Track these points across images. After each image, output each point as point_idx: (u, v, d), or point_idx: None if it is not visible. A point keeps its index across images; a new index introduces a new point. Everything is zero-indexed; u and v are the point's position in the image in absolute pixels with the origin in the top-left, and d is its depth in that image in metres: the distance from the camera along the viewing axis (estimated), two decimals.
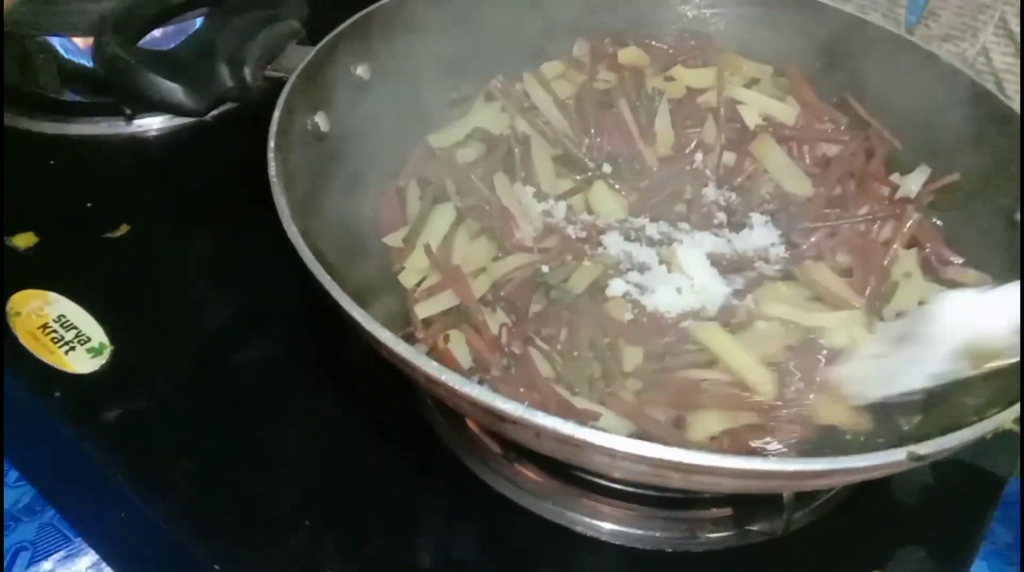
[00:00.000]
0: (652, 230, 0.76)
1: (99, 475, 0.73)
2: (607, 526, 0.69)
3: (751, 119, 0.83)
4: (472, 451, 0.72)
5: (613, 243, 0.74)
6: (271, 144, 0.64)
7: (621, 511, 0.69)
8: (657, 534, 0.68)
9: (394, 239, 0.75)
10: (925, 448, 0.48)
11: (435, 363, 0.50)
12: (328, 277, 0.54)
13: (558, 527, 0.69)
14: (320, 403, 0.77)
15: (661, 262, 0.73)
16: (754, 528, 0.65)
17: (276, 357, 0.81)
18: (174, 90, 0.70)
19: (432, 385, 0.51)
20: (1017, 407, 0.51)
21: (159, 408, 0.76)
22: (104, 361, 0.78)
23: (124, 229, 0.90)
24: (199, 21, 0.92)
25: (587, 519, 0.69)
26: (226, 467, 0.72)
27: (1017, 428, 0.51)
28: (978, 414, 0.55)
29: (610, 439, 0.46)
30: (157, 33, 0.95)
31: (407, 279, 0.72)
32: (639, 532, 0.69)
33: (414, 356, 0.50)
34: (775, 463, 0.46)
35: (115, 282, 0.86)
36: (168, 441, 0.73)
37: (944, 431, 0.51)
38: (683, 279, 0.71)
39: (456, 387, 0.49)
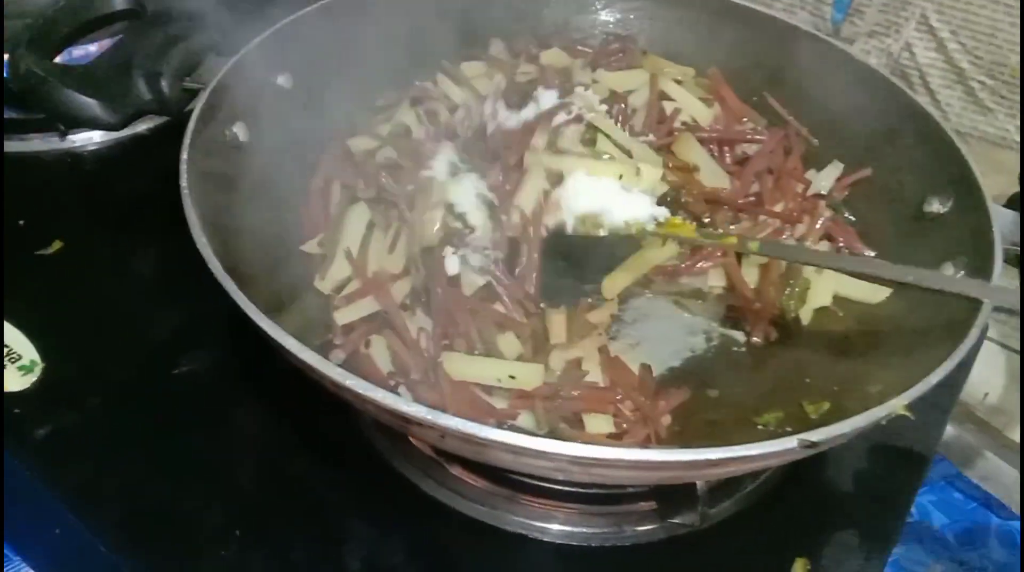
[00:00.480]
0: None
1: (32, 492, 0.72)
2: (537, 523, 0.70)
3: (677, 119, 0.85)
4: (403, 456, 0.72)
5: None
6: (183, 155, 0.64)
7: (550, 509, 0.70)
8: (585, 530, 0.69)
9: (312, 246, 0.75)
10: (816, 435, 0.49)
11: (339, 369, 0.51)
12: (235, 286, 0.55)
13: (489, 527, 0.70)
14: (250, 415, 0.77)
15: None
16: (675, 521, 0.66)
17: (207, 371, 0.80)
18: (89, 105, 0.70)
19: (339, 391, 0.52)
20: (909, 394, 0.52)
21: (90, 424, 0.75)
22: (35, 378, 0.77)
23: (57, 246, 0.89)
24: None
25: (517, 518, 0.70)
26: (157, 481, 0.72)
27: (909, 413, 0.52)
28: (880, 400, 0.57)
29: (509, 436, 0.47)
30: (93, 48, 0.95)
31: (325, 285, 0.72)
32: (568, 528, 0.69)
33: (318, 362, 0.51)
34: (667, 453, 0.47)
35: (48, 299, 0.85)
36: (100, 457, 0.73)
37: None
38: None
39: (361, 392, 0.50)
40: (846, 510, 0.73)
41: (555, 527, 0.69)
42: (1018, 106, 0.93)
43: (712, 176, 0.80)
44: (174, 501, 0.70)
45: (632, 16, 0.96)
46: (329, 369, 0.50)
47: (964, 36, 0.93)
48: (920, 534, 0.92)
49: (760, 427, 0.63)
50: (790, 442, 0.48)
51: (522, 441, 0.47)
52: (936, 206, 0.73)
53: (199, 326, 0.84)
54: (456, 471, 0.71)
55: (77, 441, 0.74)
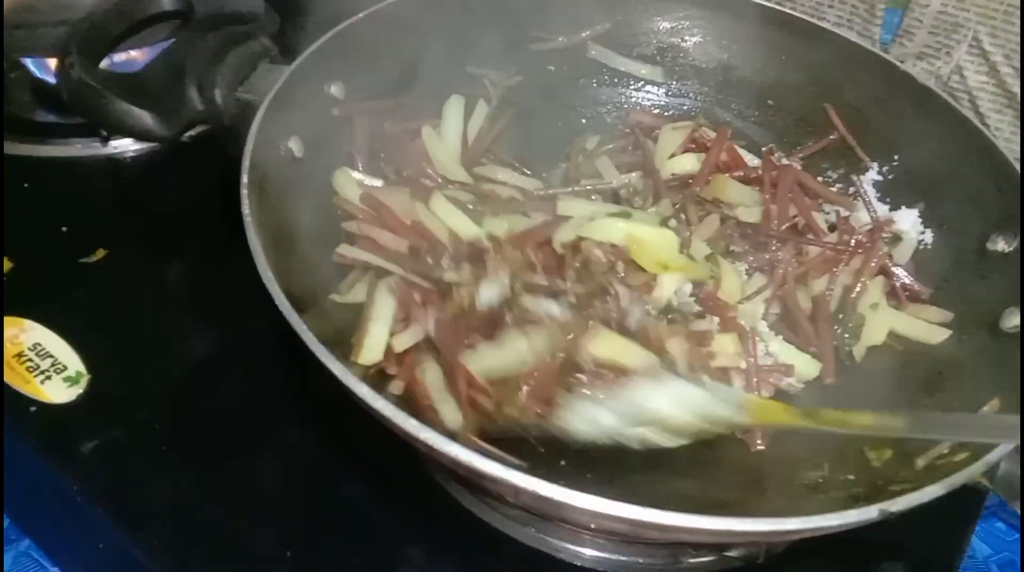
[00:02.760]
0: None
1: (77, 506, 0.72)
2: (590, 552, 0.70)
3: None
4: (454, 478, 0.72)
5: None
6: (244, 179, 0.62)
7: (604, 538, 0.70)
8: (640, 560, 0.69)
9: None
10: (897, 505, 0.48)
11: (414, 420, 0.50)
12: (304, 326, 0.54)
13: (541, 554, 0.70)
14: (299, 433, 0.77)
15: None
16: (734, 555, 0.66)
17: (255, 386, 0.80)
18: (143, 116, 0.69)
19: (412, 441, 0.51)
20: (986, 460, 0.52)
21: (137, 439, 0.75)
22: (81, 390, 0.77)
23: (100, 254, 0.89)
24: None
25: (570, 546, 0.70)
26: (205, 499, 0.71)
27: (987, 481, 0.51)
28: (951, 455, 0.56)
29: (586, 500, 0.47)
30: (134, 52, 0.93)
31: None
32: (622, 558, 0.69)
33: (393, 413, 0.50)
34: (752, 523, 0.47)
35: (92, 308, 0.84)
36: (147, 473, 0.73)
37: (916, 475, 0.53)
38: None
39: (437, 446, 0.49)
40: (904, 544, 0.73)
41: (612, 556, 0.69)
42: None
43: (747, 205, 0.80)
44: (224, 521, 0.70)
45: (687, 24, 0.94)
46: (404, 421, 0.50)
47: (1017, 60, 0.91)
48: (964, 565, 0.92)
49: (815, 475, 0.63)
50: (871, 512, 0.48)
51: (602, 507, 0.46)
52: (1001, 245, 0.72)
53: (246, 339, 0.84)
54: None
55: (125, 456, 0.74)
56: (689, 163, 0.87)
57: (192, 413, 0.77)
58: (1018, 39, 0.90)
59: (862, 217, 0.83)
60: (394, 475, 0.74)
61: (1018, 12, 0.89)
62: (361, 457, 0.75)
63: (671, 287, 0.70)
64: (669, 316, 0.70)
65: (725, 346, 0.70)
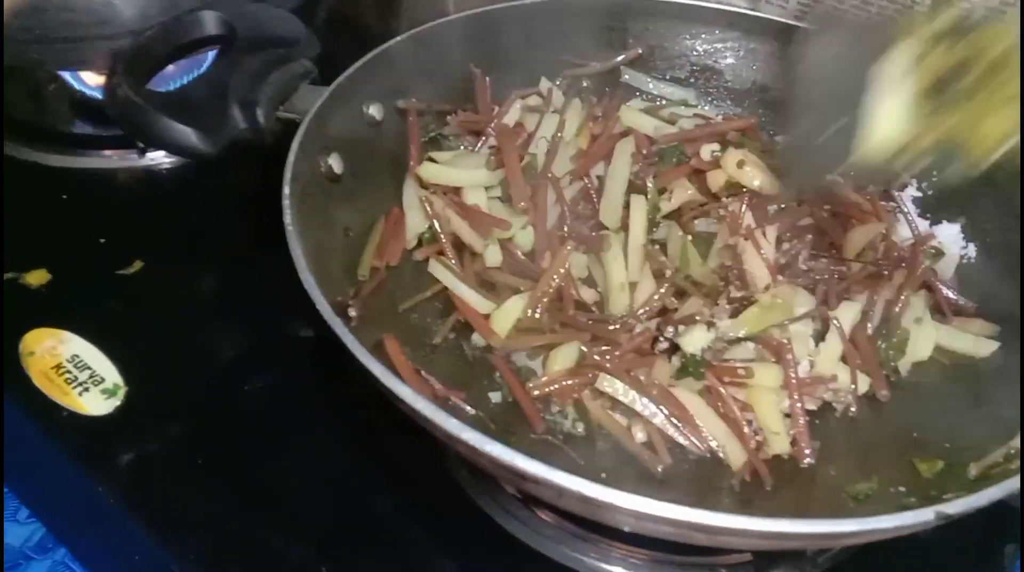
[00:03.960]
0: None
1: (113, 518, 0.72)
2: (623, 571, 0.68)
3: None
4: (488, 494, 0.71)
5: None
6: (286, 190, 0.64)
7: (638, 556, 0.68)
8: None
9: None
10: (954, 507, 0.47)
11: (455, 421, 0.49)
12: (346, 330, 0.54)
13: None
14: (333, 445, 0.77)
15: None
16: None
17: (288, 397, 0.80)
18: (186, 133, 0.70)
19: (452, 442, 0.51)
20: None
21: (173, 451, 0.75)
22: (118, 402, 0.77)
23: (138, 265, 0.90)
24: (210, 56, 0.92)
25: (604, 565, 0.68)
26: (241, 511, 0.71)
27: None
28: (1005, 463, 0.55)
29: (634, 500, 0.46)
30: (171, 68, 0.95)
31: None
32: None
33: (434, 413, 0.50)
34: (802, 524, 0.46)
35: (129, 321, 0.85)
36: (181, 484, 0.73)
37: (969, 485, 0.51)
38: None
39: (478, 446, 0.49)
40: (946, 562, 0.71)
41: None
42: None
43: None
44: (258, 533, 0.70)
45: (719, 46, 0.94)
46: (444, 421, 0.50)
47: None
48: None
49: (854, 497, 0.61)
50: (927, 514, 0.46)
51: (651, 508, 0.45)
52: None
53: (278, 351, 0.85)
54: (544, 514, 0.70)
55: (160, 468, 0.74)
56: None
57: (226, 424, 0.77)
58: None
59: (903, 233, 0.82)
60: (428, 489, 0.73)
61: None
62: (395, 469, 0.75)
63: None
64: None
65: (766, 380, 0.68)
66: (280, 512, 0.72)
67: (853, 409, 0.69)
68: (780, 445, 0.65)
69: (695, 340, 0.68)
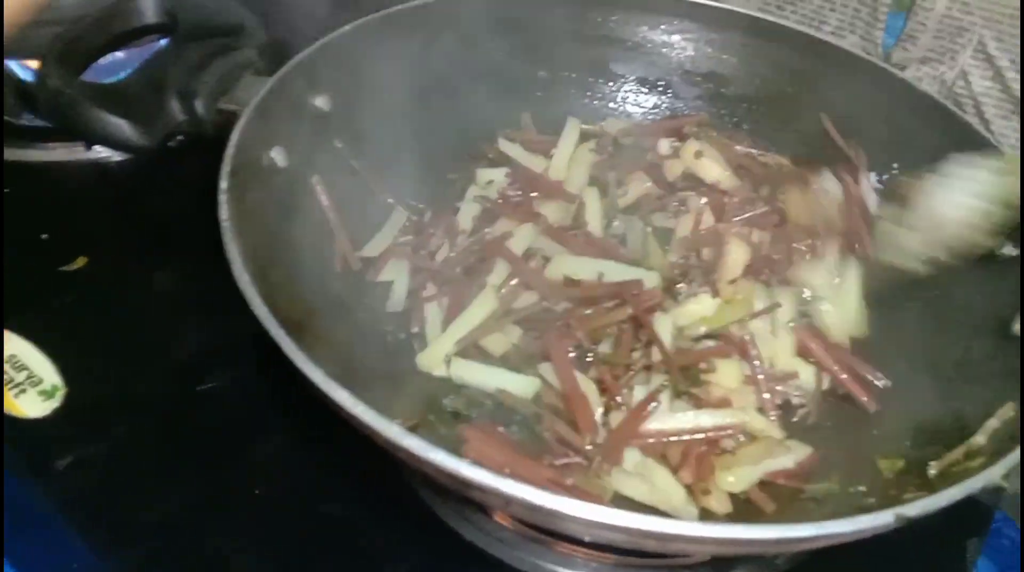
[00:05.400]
0: None
1: (52, 526, 0.69)
2: None
3: None
4: (443, 499, 0.69)
5: None
6: (222, 185, 0.61)
7: (595, 560, 0.66)
8: None
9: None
10: (913, 509, 0.45)
11: (396, 427, 0.47)
12: (282, 332, 0.52)
13: None
14: (284, 448, 0.74)
15: None
16: None
17: (239, 400, 0.77)
18: (120, 126, 0.67)
19: (394, 449, 0.48)
20: (1006, 462, 0.49)
21: (114, 455, 0.72)
22: (57, 404, 0.74)
23: (82, 261, 0.87)
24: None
25: (564, 570, 0.66)
26: (187, 518, 0.68)
27: (1007, 484, 0.49)
28: (965, 461, 0.54)
29: (580, 507, 0.44)
30: (121, 55, 0.92)
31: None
32: None
33: (374, 419, 0.48)
34: (755, 531, 0.44)
35: (71, 319, 0.82)
36: (123, 490, 0.70)
37: (929, 484, 0.50)
38: None
39: (420, 454, 0.46)
40: (910, 565, 0.70)
41: None
42: None
43: None
44: (204, 540, 0.67)
45: (678, 37, 0.93)
46: (386, 428, 0.47)
47: None
48: None
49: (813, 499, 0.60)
50: (887, 517, 0.45)
51: (599, 515, 0.43)
52: (1008, 249, 0.69)
53: (229, 351, 0.81)
54: (498, 517, 0.67)
55: (101, 472, 0.71)
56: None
57: (171, 425, 0.75)
58: None
59: None
60: (381, 492, 0.71)
61: None
62: (350, 474, 0.72)
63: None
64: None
65: (727, 378, 0.67)
66: (229, 519, 0.69)
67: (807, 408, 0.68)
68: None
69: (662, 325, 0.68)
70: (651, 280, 0.70)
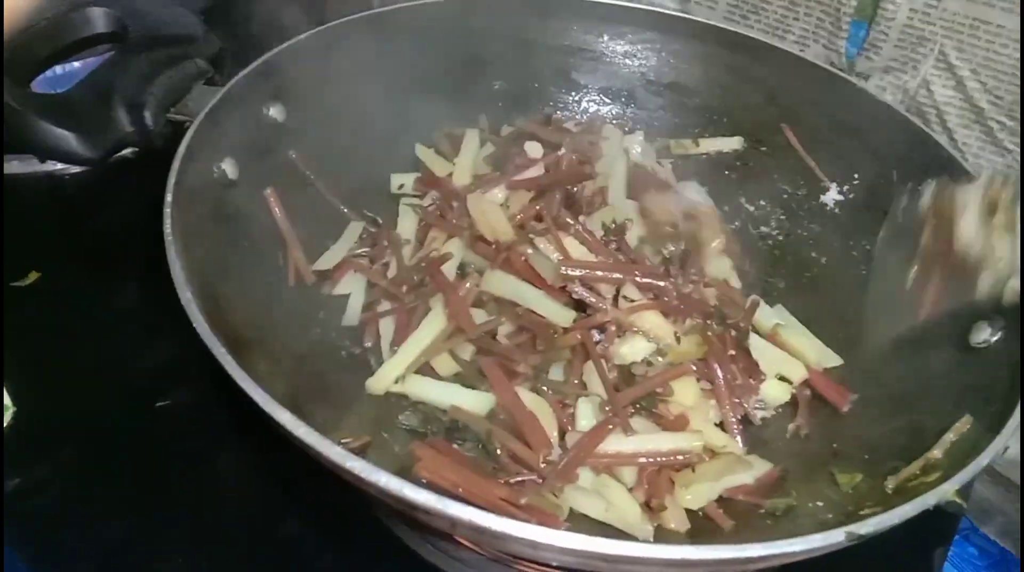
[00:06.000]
0: None
1: None
2: None
3: None
4: (399, 518, 0.67)
5: None
6: (168, 198, 0.59)
7: None
8: None
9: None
10: (865, 528, 0.45)
11: (338, 448, 0.46)
12: (224, 351, 0.50)
13: None
14: (237, 469, 0.73)
15: None
16: None
17: (194, 419, 0.75)
18: (65, 138, 0.65)
19: (337, 471, 0.47)
20: (958, 478, 0.48)
21: (62, 476, 0.70)
22: (4, 425, 0.72)
23: (34, 277, 0.85)
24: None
25: None
26: (137, 542, 0.67)
27: (961, 500, 0.48)
28: (921, 476, 0.53)
29: (526, 529, 0.43)
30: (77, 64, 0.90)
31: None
32: None
33: (317, 440, 0.46)
34: (707, 551, 0.43)
35: (22, 336, 0.79)
36: (71, 513, 0.68)
37: (887, 498, 0.49)
38: None
39: (364, 476, 0.45)
40: (875, 565, 0.68)
41: None
42: None
43: None
44: (157, 566, 0.65)
45: (640, 47, 0.92)
46: (328, 449, 0.46)
47: (985, 75, 0.89)
48: None
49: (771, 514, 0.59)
50: (837, 536, 0.44)
51: (546, 537, 0.42)
52: None
53: (181, 370, 0.79)
54: (458, 537, 0.66)
55: (50, 496, 0.69)
56: None
57: (123, 446, 0.73)
58: (984, 53, 0.89)
59: None
60: (338, 513, 0.69)
61: (983, 26, 0.88)
62: (305, 493, 0.70)
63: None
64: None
65: (684, 397, 0.66)
66: (181, 542, 0.67)
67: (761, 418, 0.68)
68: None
69: (634, 350, 0.67)
70: (563, 319, 0.68)
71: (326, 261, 0.76)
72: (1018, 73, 0.88)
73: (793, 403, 0.69)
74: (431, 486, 0.48)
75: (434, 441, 0.62)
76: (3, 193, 0.90)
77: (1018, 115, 0.89)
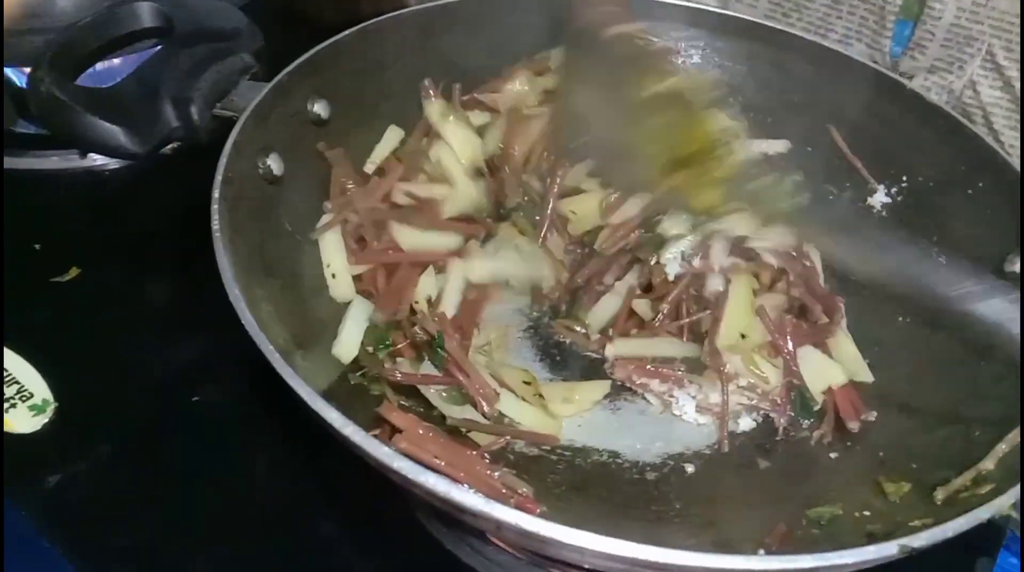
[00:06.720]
0: None
1: (37, 547, 0.67)
2: None
3: None
4: (439, 519, 0.67)
5: None
6: (215, 194, 0.60)
7: None
8: None
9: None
10: (919, 540, 0.44)
11: (386, 448, 0.46)
12: (271, 348, 0.50)
13: None
14: (276, 467, 0.73)
15: None
16: None
17: (231, 415, 0.75)
18: (114, 132, 0.66)
19: (385, 471, 0.47)
20: (1014, 492, 0.47)
21: (103, 472, 0.70)
22: (47, 420, 0.72)
23: (74, 272, 0.85)
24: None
25: None
26: (174, 539, 0.66)
27: (1016, 514, 0.47)
28: (974, 487, 0.52)
29: (576, 535, 0.42)
30: (116, 61, 0.91)
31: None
32: None
33: (364, 440, 0.46)
34: (759, 562, 0.42)
35: (63, 331, 0.80)
36: (112, 509, 0.68)
37: (936, 509, 0.48)
38: None
39: (411, 476, 0.45)
40: None
41: None
42: None
43: None
44: (194, 564, 0.65)
45: (684, 45, 0.91)
46: (376, 449, 0.46)
47: None
48: None
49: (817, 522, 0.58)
50: (891, 548, 0.43)
51: (592, 542, 0.42)
52: (1018, 266, 0.68)
53: (222, 366, 0.79)
54: (496, 540, 0.66)
55: (90, 491, 0.69)
56: None
57: (163, 444, 0.73)
58: None
59: None
60: (376, 514, 0.69)
61: None
62: (343, 492, 0.70)
63: None
64: None
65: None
66: (218, 541, 0.67)
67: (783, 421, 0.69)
68: None
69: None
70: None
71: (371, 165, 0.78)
72: None
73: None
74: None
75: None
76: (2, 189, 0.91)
77: None
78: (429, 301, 0.71)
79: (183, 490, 0.70)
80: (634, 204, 0.78)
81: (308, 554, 0.67)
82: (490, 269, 0.75)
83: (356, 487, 0.69)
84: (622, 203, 0.78)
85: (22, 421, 0.72)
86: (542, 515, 0.44)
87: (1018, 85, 0.89)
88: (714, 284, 0.71)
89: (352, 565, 0.67)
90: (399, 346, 0.69)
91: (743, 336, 0.68)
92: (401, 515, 0.68)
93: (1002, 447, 0.54)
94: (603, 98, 0.75)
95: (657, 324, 0.72)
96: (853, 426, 0.66)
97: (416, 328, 0.68)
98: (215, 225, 0.58)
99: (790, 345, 0.69)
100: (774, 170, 0.75)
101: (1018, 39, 0.88)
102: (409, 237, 0.74)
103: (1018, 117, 0.91)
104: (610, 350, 0.72)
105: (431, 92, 0.82)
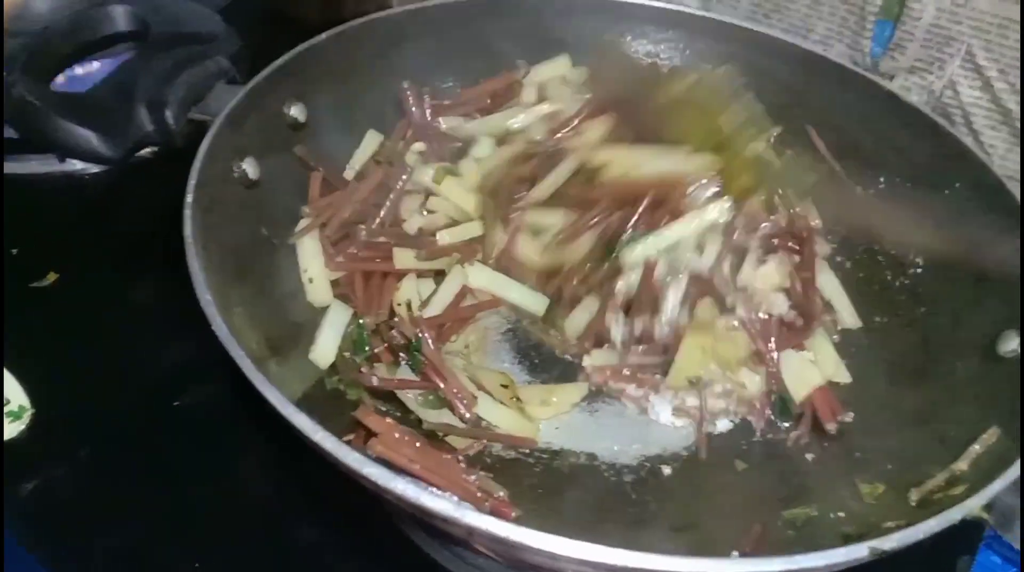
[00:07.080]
0: None
1: (11, 552, 0.67)
2: None
3: None
4: (419, 525, 0.67)
5: None
6: (188, 199, 0.59)
7: None
8: None
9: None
10: (889, 543, 0.44)
11: (356, 454, 0.46)
12: (248, 360, 0.50)
13: None
14: (256, 473, 0.72)
15: None
16: None
17: (213, 419, 0.75)
18: (87, 136, 0.66)
19: (356, 477, 0.47)
20: (984, 493, 0.47)
21: (80, 478, 0.70)
22: (23, 426, 0.72)
23: (52, 278, 0.84)
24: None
25: None
26: (154, 547, 0.66)
27: (986, 515, 0.47)
28: (946, 488, 0.52)
29: (547, 540, 0.42)
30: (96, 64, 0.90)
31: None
32: None
33: (335, 446, 0.46)
34: (731, 565, 0.42)
35: (40, 337, 0.80)
36: (89, 515, 0.68)
37: (909, 511, 0.48)
38: None
39: (382, 483, 0.45)
40: None
41: None
42: None
43: None
44: (171, 568, 0.65)
45: (663, 47, 0.91)
46: (346, 455, 0.46)
47: (1013, 76, 0.88)
48: None
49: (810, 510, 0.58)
50: (861, 550, 0.43)
51: (565, 548, 0.42)
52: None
53: (200, 372, 0.79)
54: (477, 545, 0.66)
55: (67, 497, 0.69)
56: None
57: (141, 447, 0.72)
58: (1013, 53, 0.87)
59: None
60: (357, 518, 0.69)
61: (1012, 26, 0.86)
62: (324, 497, 0.70)
63: None
64: None
65: None
66: (199, 546, 0.67)
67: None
68: None
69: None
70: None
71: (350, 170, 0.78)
72: None
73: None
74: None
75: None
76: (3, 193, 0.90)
77: None
78: (408, 305, 0.71)
79: (163, 495, 0.69)
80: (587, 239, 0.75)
81: (290, 559, 0.67)
82: (489, 278, 0.74)
83: (337, 492, 0.68)
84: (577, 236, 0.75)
85: None
86: (516, 520, 0.44)
87: (997, 85, 0.89)
88: (663, 334, 0.70)
89: (333, 569, 0.67)
90: (376, 351, 0.68)
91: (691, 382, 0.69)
92: (382, 520, 0.67)
93: (976, 448, 0.54)
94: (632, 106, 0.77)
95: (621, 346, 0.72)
96: (830, 427, 0.66)
97: (394, 331, 0.67)
98: (187, 230, 0.57)
99: (774, 355, 0.70)
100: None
101: (997, 40, 0.88)
102: (408, 260, 0.74)
103: (998, 117, 0.91)
104: (587, 360, 0.72)
105: (410, 97, 0.81)
